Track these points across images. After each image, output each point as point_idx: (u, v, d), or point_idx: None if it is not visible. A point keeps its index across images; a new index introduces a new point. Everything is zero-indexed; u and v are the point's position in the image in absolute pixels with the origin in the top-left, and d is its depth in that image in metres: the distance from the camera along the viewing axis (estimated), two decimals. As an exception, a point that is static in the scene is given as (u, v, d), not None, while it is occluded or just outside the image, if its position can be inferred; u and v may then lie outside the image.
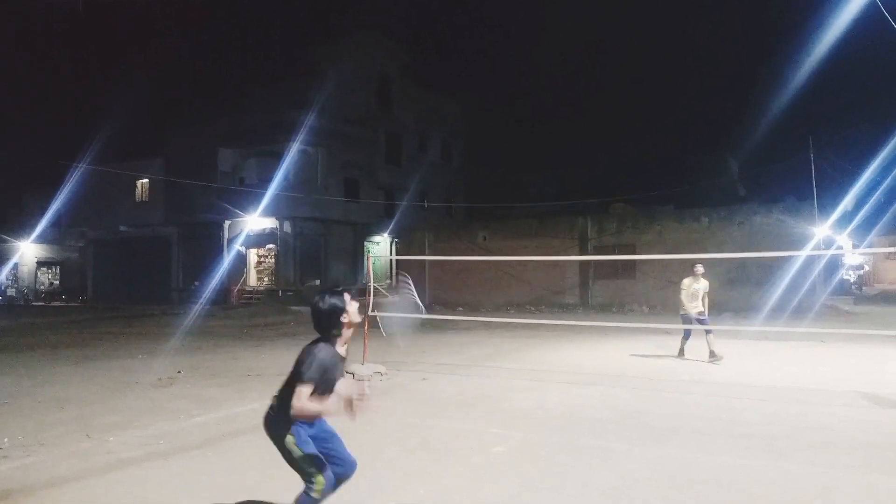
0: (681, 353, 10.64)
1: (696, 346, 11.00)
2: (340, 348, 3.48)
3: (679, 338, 10.90)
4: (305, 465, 3.43)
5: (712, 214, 22.44)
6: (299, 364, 3.32)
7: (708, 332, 10.40)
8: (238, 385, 8.49)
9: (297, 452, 3.40)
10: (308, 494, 3.47)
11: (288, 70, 32.24)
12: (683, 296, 10.51)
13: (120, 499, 4.34)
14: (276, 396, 3.47)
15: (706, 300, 10.56)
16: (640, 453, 5.25)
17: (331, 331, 3.42)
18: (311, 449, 3.43)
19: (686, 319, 10.51)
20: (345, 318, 3.42)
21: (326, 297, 3.42)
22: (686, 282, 10.59)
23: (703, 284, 10.48)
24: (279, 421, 3.40)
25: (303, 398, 3.22)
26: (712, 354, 10.27)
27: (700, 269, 10.49)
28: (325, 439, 3.54)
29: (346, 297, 3.47)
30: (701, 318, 10.44)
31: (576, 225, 24.50)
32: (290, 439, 3.38)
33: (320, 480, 3.43)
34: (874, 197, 27.01)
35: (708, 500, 4.24)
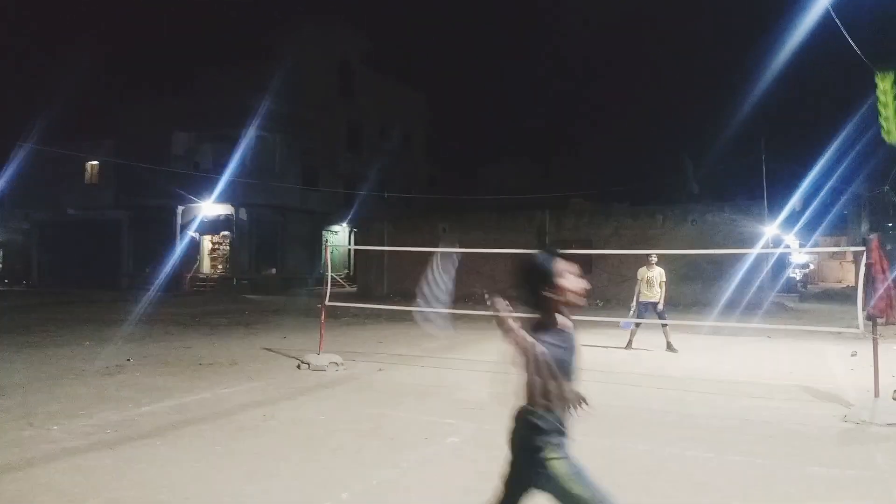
0: (629, 344, 10.94)
1: (647, 338, 11.26)
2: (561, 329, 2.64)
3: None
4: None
5: (667, 212, 22.90)
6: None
7: (664, 325, 10.80)
8: (189, 374, 8.32)
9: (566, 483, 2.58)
10: None
11: (246, 52, 31.56)
12: (639, 284, 10.96)
13: (63, 488, 4.22)
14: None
15: (664, 290, 10.87)
16: (589, 444, 5.30)
17: (536, 303, 2.64)
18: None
19: (642, 308, 10.89)
20: (549, 292, 2.61)
21: (535, 257, 2.70)
22: (640, 271, 11.07)
23: (656, 272, 10.87)
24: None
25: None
26: (669, 346, 10.67)
27: (654, 258, 10.94)
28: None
29: (559, 263, 2.68)
30: (658, 309, 10.80)
31: (534, 219, 24.71)
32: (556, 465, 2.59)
33: None
34: (819, 197, 28.00)
35: (652, 487, 4.34)
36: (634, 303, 11.09)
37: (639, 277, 11.06)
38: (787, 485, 4.44)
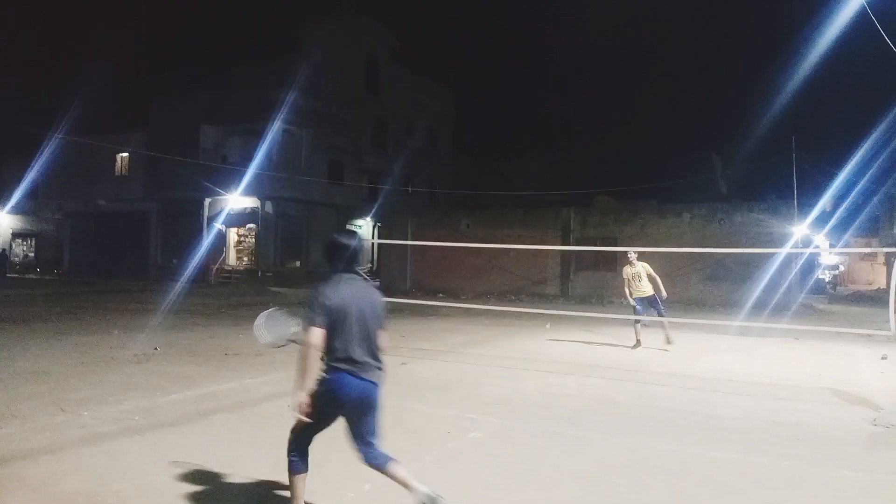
0: (637, 343, 10.91)
1: (653, 338, 11.20)
2: None
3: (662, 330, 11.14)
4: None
5: (694, 211, 22.64)
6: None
7: (661, 316, 10.93)
8: (215, 364, 8.44)
9: None
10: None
11: (274, 47, 31.96)
12: (628, 283, 11.02)
13: (93, 472, 4.32)
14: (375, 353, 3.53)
15: (658, 283, 10.88)
16: (614, 442, 5.31)
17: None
18: None
19: (640, 304, 10.93)
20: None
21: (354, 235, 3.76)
22: (625, 270, 11.13)
23: (639, 267, 10.90)
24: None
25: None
26: (668, 339, 10.80)
27: (633, 255, 11.05)
28: None
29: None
30: (654, 303, 10.86)
31: (559, 216, 24.58)
32: None
33: None
34: (850, 198, 27.45)
35: (676, 487, 4.31)
36: (631, 300, 11.08)
37: (625, 276, 11.09)
38: (814, 488, 4.37)
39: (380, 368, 3.51)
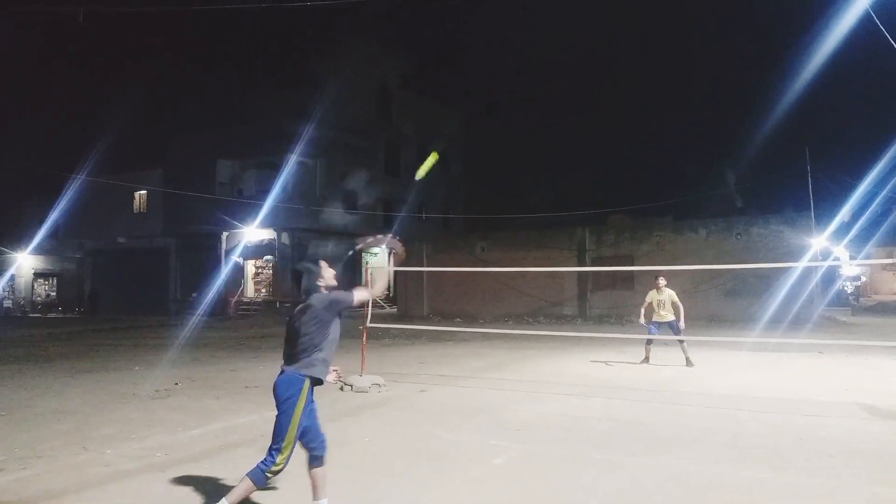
0: (646, 359, 11.13)
1: (664, 355, 11.26)
2: None
3: (682, 348, 11.12)
4: (289, 436, 3.73)
5: (710, 226, 22.49)
6: (334, 301, 3.83)
7: (680, 339, 11.01)
8: (236, 397, 8.44)
9: (297, 416, 3.71)
10: (263, 471, 3.74)
11: (285, 80, 32.35)
12: (647, 306, 11.22)
13: (117, 511, 4.30)
14: (291, 357, 3.83)
15: (680, 311, 11.04)
16: (640, 463, 5.23)
17: (311, 293, 3.85)
18: (305, 421, 3.75)
19: (656, 326, 11.09)
20: (321, 282, 3.88)
21: (305, 262, 4.00)
22: (650, 294, 11.29)
23: (665, 295, 11.07)
24: (295, 378, 3.77)
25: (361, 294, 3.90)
26: (688, 361, 10.77)
27: (662, 281, 11.17)
28: (313, 410, 3.90)
29: (322, 263, 3.97)
30: (672, 326, 11.04)
31: (574, 236, 24.52)
32: (302, 399, 3.71)
33: (282, 461, 3.75)
34: (871, 208, 27.08)
35: (709, 511, 4.22)
36: (643, 321, 11.35)
37: (648, 300, 11.22)
38: (848, 506, 4.26)
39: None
